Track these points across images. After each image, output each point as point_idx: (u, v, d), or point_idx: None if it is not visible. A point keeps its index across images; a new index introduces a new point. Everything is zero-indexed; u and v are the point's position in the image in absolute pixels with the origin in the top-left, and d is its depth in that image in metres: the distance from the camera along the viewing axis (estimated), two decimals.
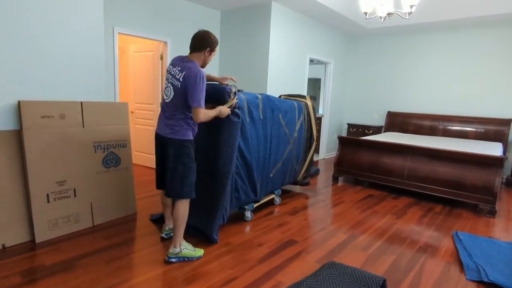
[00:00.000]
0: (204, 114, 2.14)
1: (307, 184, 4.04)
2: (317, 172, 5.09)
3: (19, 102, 2.31)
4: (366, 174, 4.28)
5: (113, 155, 2.87)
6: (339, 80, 6.40)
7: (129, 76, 4.99)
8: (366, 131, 6.08)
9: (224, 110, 2.34)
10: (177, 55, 2.31)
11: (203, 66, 2.26)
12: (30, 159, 2.35)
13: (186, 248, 2.26)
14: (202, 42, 2.18)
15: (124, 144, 2.96)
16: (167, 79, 2.23)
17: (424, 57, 5.69)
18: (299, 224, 2.96)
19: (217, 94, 2.41)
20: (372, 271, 2.20)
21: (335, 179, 4.62)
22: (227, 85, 2.47)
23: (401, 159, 4.03)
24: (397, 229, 2.97)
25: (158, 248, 2.39)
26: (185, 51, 4.64)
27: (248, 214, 2.97)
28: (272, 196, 3.40)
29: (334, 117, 6.44)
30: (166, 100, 2.20)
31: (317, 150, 6.53)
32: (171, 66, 2.21)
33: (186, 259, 2.24)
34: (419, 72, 5.75)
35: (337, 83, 6.34)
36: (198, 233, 2.57)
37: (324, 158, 6.38)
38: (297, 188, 4.15)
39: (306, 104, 3.83)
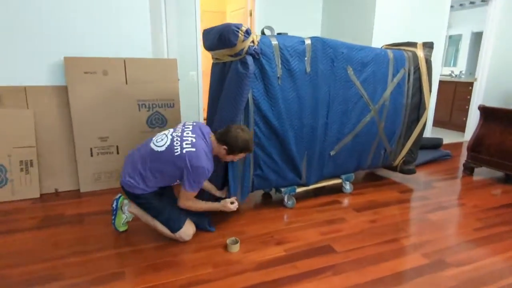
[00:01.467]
0: (191, 202, 1.81)
1: (411, 172, 2.84)
2: (446, 157, 3.60)
3: (64, 58, 2.42)
4: None
5: (158, 115, 2.75)
6: (508, 27, 4.21)
7: None
8: None
9: (227, 205, 1.91)
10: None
11: (216, 156, 1.85)
12: (74, 114, 2.48)
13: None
14: (224, 138, 1.75)
15: (171, 104, 2.78)
16: (174, 128, 1.83)
17: None
18: (357, 227, 2.05)
19: (220, 37, 1.81)
20: None
21: (468, 170, 3.11)
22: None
23: None
24: None
25: None
26: (275, 3, 4.05)
27: (286, 199, 2.28)
28: (338, 181, 2.53)
29: (495, 82, 4.37)
30: (154, 147, 1.75)
31: (462, 129, 4.72)
32: (189, 123, 1.84)
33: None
34: None
35: (504, 31, 4.20)
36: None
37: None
38: (396, 176, 3.01)
39: (415, 55, 2.59)
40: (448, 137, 4.49)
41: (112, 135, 2.61)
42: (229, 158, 1.82)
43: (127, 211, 1.93)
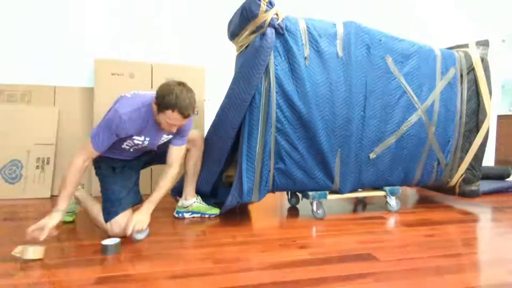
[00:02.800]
0: (76, 161, 1.40)
1: (475, 193, 2.30)
2: None
3: (95, 60, 2.47)
4: None
5: None
6: None
7: None
8: None
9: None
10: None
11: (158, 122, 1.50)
12: (97, 113, 2.43)
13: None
14: (157, 91, 1.44)
15: (195, 112, 2.64)
16: None
17: None
18: (408, 239, 1.58)
19: (242, 12, 1.71)
20: None
21: None
22: None
23: None
24: None
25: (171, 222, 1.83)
26: None
27: (315, 207, 1.88)
28: (381, 193, 2.08)
29: None
30: None
31: None
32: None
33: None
34: None
35: None
36: None
37: None
38: (454, 202, 2.46)
39: (467, 55, 2.27)
40: None
41: None
42: (161, 121, 1.44)
43: None
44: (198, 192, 1.92)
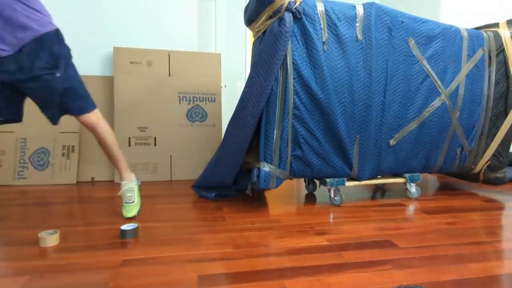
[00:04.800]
0: None
1: (501, 181, 2.22)
2: None
3: (114, 48, 2.50)
4: None
5: (198, 108, 2.64)
6: None
7: None
8: None
9: None
10: None
11: None
12: (117, 101, 2.49)
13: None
14: None
15: (212, 98, 2.66)
16: None
17: None
18: (428, 227, 1.56)
19: None
20: None
21: None
22: None
23: None
24: None
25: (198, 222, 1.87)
26: None
27: (333, 194, 1.87)
28: (401, 180, 2.05)
29: None
30: None
31: None
32: None
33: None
34: None
35: None
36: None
37: None
38: (477, 189, 2.39)
39: (497, 35, 2.15)
40: None
41: (151, 126, 2.55)
42: None
43: None
44: (222, 184, 1.93)
